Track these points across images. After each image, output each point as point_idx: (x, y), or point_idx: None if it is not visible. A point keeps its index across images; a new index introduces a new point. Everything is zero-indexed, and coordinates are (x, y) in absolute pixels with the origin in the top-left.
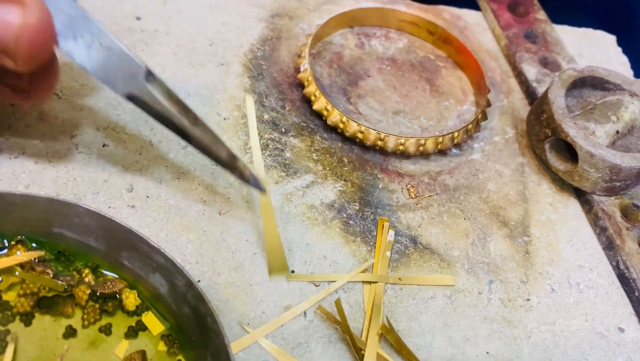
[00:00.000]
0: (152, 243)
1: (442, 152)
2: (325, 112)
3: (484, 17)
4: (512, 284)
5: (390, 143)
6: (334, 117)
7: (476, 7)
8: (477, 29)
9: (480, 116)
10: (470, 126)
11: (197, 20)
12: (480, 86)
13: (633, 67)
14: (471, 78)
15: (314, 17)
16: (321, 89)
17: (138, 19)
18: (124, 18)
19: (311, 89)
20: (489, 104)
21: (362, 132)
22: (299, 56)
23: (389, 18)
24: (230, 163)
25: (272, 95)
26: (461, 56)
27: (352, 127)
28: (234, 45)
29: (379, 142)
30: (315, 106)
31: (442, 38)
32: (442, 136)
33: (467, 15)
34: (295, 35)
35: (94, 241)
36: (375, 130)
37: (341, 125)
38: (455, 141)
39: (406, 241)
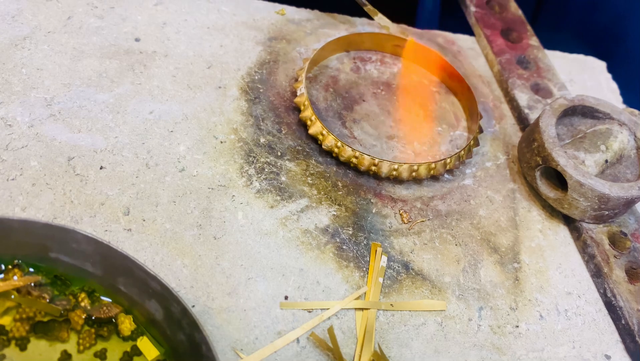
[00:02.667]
0: (148, 270)
1: (434, 178)
2: (320, 137)
3: (477, 43)
4: (501, 311)
5: (384, 168)
6: (329, 142)
7: (470, 32)
8: (471, 54)
9: (472, 142)
10: (462, 152)
11: (196, 43)
12: (472, 112)
13: (622, 93)
14: (463, 104)
15: (311, 40)
16: (317, 113)
17: (137, 40)
18: (123, 39)
19: (307, 113)
20: (480, 130)
21: (356, 157)
22: (296, 80)
23: (384, 43)
24: None
25: (269, 118)
26: (454, 82)
27: (346, 152)
28: (231, 68)
29: (373, 168)
30: (311, 131)
31: (435, 64)
32: (435, 162)
33: (461, 40)
34: (292, 58)
35: (90, 266)
36: (369, 155)
37: (336, 150)
38: (448, 167)
39: (398, 266)
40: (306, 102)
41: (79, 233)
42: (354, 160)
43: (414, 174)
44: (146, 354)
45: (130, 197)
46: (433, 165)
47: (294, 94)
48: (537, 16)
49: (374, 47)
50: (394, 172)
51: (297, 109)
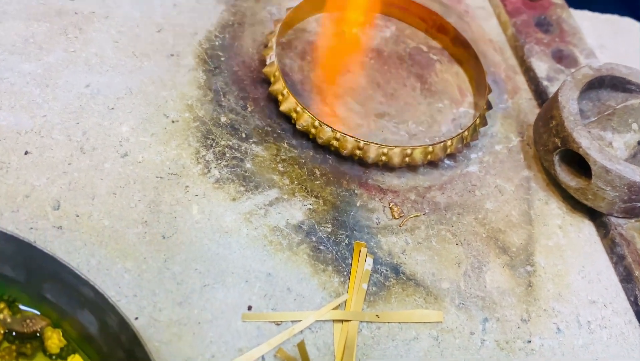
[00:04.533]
0: (79, 273)
1: (432, 164)
2: (294, 115)
3: (488, 1)
4: (510, 323)
5: (371, 153)
6: (305, 120)
7: None
8: (480, 15)
9: (478, 121)
10: (466, 132)
11: (143, 1)
12: (480, 85)
13: None
14: (470, 74)
15: None
16: (290, 86)
17: None
18: None
19: (278, 86)
20: (489, 107)
21: (337, 139)
22: (265, 46)
23: (373, 1)
24: None
25: (232, 93)
26: (458, 48)
27: (325, 133)
28: (187, 32)
29: (358, 152)
30: (283, 107)
31: (436, 26)
32: (433, 145)
33: None
34: (261, 20)
35: (10, 271)
36: (353, 137)
37: (313, 130)
38: (448, 150)
39: (387, 270)
40: (277, 73)
41: None
42: (335, 143)
43: (407, 159)
44: None
45: (61, 188)
46: (430, 148)
47: (263, 63)
48: None
49: (362, 7)
50: (383, 158)
51: (267, 82)
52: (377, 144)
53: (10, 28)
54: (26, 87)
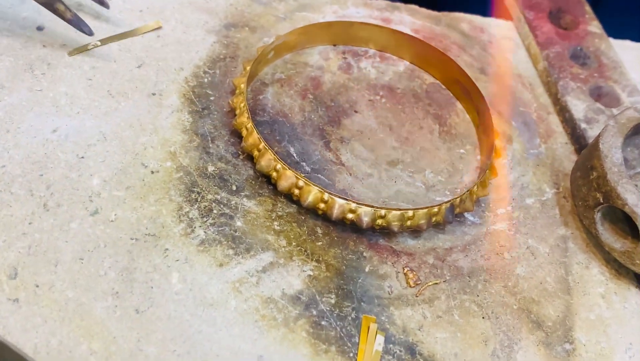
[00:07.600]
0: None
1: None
2: (274, 174)
3: (516, 29)
4: None
5: (366, 216)
6: (285, 180)
7: (506, 15)
8: (507, 46)
9: (487, 174)
10: (475, 187)
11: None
12: (486, 127)
13: None
14: (472, 114)
15: (285, 28)
16: (289, 128)
17: (40, 29)
18: (20, 27)
19: (253, 140)
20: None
21: (325, 201)
22: (233, 93)
23: (382, 37)
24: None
25: (221, 138)
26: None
27: (310, 194)
28: (171, 67)
29: (350, 215)
30: (260, 166)
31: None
32: (438, 205)
33: (494, 26)
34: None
35: None
36: (344, 198)
37: (296, 191)
38: (457, 210)
39: (400, 350)
40: (249, 126)
41: None
42: (322, 206)
43: (409, 223)
44: None
45: (20, 252)
46: (436, 210)
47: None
48: None
49: (371, 44)
50: (380, 221)
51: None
52: (373, 206)
53: None
54: None
